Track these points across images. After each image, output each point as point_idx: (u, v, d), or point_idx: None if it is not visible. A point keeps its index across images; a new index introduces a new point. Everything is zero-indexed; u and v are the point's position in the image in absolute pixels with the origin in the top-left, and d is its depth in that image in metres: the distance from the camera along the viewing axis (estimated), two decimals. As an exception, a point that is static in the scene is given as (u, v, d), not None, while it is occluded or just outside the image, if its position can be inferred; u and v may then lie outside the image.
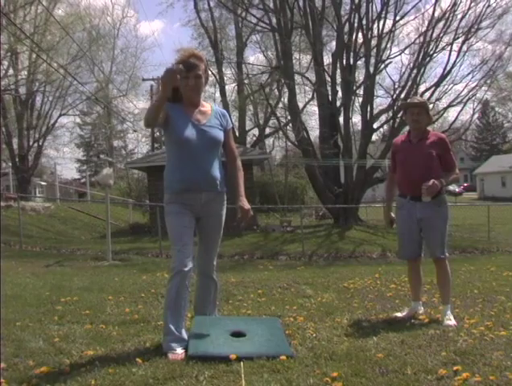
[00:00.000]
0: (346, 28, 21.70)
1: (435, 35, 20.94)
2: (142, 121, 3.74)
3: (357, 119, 26.30)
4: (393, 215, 4.81)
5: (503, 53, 22.03)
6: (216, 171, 3.67)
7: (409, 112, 4.63)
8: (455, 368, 2.91)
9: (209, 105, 3.85)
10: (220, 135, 3.73)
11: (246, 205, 3.70)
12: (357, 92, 22.17)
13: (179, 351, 3.24)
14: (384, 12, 20.92)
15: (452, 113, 71.08)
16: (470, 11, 20.65)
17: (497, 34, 22.53)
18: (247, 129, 36.61)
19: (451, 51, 21.49)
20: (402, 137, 4.85)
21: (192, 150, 3.58)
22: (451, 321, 4.27)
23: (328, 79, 22.44)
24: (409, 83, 21.07)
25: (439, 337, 3.70)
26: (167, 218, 3.63)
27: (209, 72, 3.89)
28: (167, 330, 3.37)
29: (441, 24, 20.88)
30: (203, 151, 3.61)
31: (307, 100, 29.26)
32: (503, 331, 3.82)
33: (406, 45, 22.83)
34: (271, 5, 22.51)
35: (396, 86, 21.97)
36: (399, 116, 19.73)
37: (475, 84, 22.15)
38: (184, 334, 3.39)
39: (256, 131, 36.96)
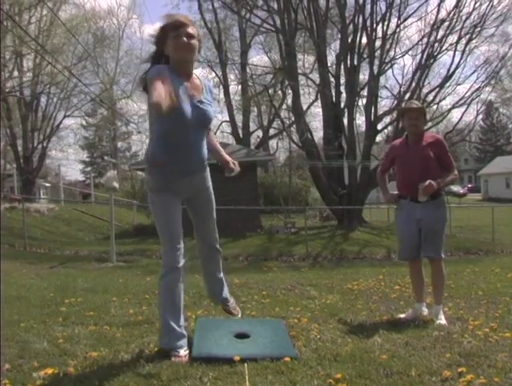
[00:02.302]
0: (350, 29, 21.70)
1: (439, 36, 20.94)
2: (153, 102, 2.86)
3: (361, 120, 26.33)
4: (393, 192, 4.85)
5: (506, 54, 22.00)
6: (205, 151, 3.40)
7: (407, 116, 4.66)
8: (459, 370, 2.90)
9: (197, 76, 3.38)
10: (212, 112, 3.38)
11: (230, 158, 3.51)
12: (361, 93, 22.17)
13: (182, 352, 3.20)
14: (388, 13, 20.91)
15: (455, 114, 70.93)
16: (474, 12, 20.65)
17: (501, 35, 22.46)
18: (251, 130, 36.67)
19: (455, 52, 21.49)
20: (399, 141, 4.89)
21: (187, 130, 3.23)
22: (442, 321, 4.36)
23: (332, 80, 22.44)
24: (413, 84, 21.05)
25: (444, 338, 3.69)
26: (154, 208, 3.37)
27: (201, 42, 3.33)
28: (168, 328, 3.25)
29: (445, 25, 20.88)
30: (197, 131, 3.29)
31: (311, 101, 29.31)
32: (508, 333, 3.81)
33: (410, 46, 22.83)
34: (275, 6, 22.53)
35: (400, 87, 21.98)
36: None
37: (479, 85, 22.14)
38: (184, 331, 3.32)
39: (260, 132, 37.04)
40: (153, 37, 3.36)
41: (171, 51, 3.19)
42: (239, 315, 4.00)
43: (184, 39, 3.14)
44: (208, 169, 3.54)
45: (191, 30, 3.18)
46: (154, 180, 3.38)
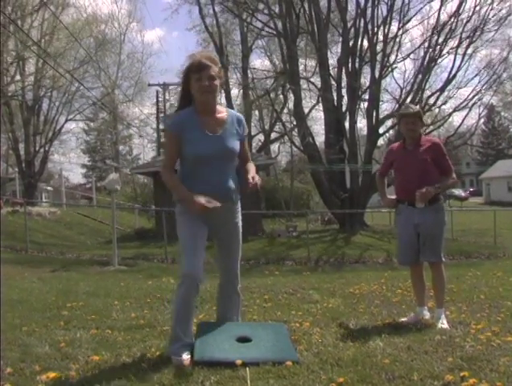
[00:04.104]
0: (352, 33, 21.73)
1: (440, 40, 20.95)
2: (162, 173, 3.52)
3: (362, 124, 26.34)
4: (391, 197, 4.85)
5: (507, 57, 22.00)
6: (232, 183, 3.51)
7: (404, 121, 4.66)
8: (461, 374, 2.90)
9: (225, 111, 3.59)
10: (237, 145, 3.52)
11: (252, 173, 3.51)
12: (363, 96, 22.18)
13: (185, 356, 3.20)
14: (389, 17, 20.94)
15: (457, 118, 70.93)
16: (474, 15, 20.66)
17: (501, 38, 22.48)
18: (253, 134, 36.67)
19: (455, 55, 21.49)
20: (397, 145, 4.90)
21: (208, 165, 3.41)
22: (444, 324, 4.36)
23: (334, 84, 22.45)
24: (414, 88, 21.06)
25: (446, 342, 3.68)
26: (180, 228, 3.48)
27: (223, 79, 3.58)
28: (177, 336, 3.29)
29: (446, 29, 20.89)
30: (219, 164, 3.43)
31: (312, 105, 29.32)
32: (510, 337, 3.80)
33: (411, 50, 22.86)
34: (277, 10, 22.57)
35: (402, 91, 21.99)
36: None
37: (480, 88, 22.14)
38: (192, 340, 3.35)
39: (261, 136, 37.05)
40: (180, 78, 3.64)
41: (195, 92, 3.42)
42: None
43: (206, 82, 3.35)
44: (238, 204, 3.64)
45: (212, 71, 3.37)
46: (182, 207, 3.49)
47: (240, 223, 3.67)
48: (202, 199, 3.25)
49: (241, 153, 3.57)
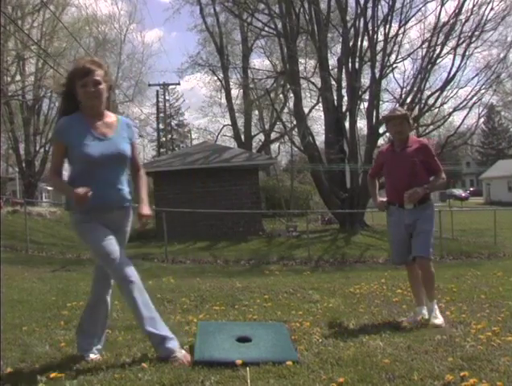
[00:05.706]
0: (351, 33, 21.71)
1: (440, 40, 20.92)
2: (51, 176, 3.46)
3: (362, 124, 26.32)
4: (382, 199, 4.89)
5: (505, 56, 21.96)
6: (125, 186, 3.51)
7: (391, 123, 4.76)
8: (462, 374, 2.90)
9: (114, 116, 3.58)
10: (128, 149, 3.49)
11: (145, 211, 3.50)
12: (363, 96, 22.16)
13: (179, 354, 3.17)
14: (390, 17, 20.91)
15: (457, 118, 70.86)
16: (473, 15, 20.61)
17: (501, 38, 22.42)
18: (253, 134, 36.68)
19: (455, 55, 21.45)
20: (386, 147, 4.99)
21: (100, 168, 3.35)
22: (437, 319, 4.39)
23: (334, 83, 22.44)
24: (414, 88, 21.04)
25: (446, 342, 3.68)
26: (85, 236, 3.42)
27: (112, 80, 3.54)
28: (159, 338, 3.19)
29: (446, 29, 20.85)
30: (111, 167, 3.40)
31: (312, 104, 29.31)
32: (510, 337, 3.79)
33: (412, 50, 22.81)
34: (277, 10, 22.56)
35: (402, 91, 21.97)
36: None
37: (480, 88, 22.09)
38: (170, 334, 3.26)
39: (261, 136, 37.02)
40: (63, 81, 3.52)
41: (80, 98, 3.37)
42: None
43: (92, 88, 3.32)
44: (131, 211, 3.58)
45: (97, 76, 3.34)
46: (78, 215, 3.39)
47: (129, 230, 3.63)
48: (82, 190, 3.16)
49: (132, 157, 3.54)
